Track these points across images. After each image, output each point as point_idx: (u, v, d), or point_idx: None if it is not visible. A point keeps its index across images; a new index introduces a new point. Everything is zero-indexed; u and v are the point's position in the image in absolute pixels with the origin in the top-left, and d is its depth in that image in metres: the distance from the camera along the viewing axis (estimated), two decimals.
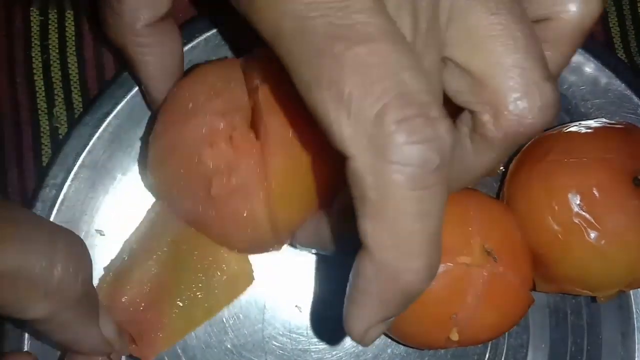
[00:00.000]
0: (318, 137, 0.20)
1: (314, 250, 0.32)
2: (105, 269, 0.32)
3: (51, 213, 0.33)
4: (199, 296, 0.32)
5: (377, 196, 0.18)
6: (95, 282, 0.31)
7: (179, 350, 0.34)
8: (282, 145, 0.28)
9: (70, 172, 0.33)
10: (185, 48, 0.34)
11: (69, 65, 0.37)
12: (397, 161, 0.18)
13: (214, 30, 0.35)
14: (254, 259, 0.35)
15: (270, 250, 0.32)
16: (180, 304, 0.31)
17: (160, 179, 0.31)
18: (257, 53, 0.30)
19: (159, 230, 0.32)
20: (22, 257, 0.23)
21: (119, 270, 0.32)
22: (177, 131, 0.29)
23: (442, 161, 0.18)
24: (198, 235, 0.31)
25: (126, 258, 0.32)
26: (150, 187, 0.33)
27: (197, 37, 0.35)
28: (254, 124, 0.28)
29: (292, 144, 0.28)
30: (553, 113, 0.21)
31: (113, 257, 0.33)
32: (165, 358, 0.34)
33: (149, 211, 0.33)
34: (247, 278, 0.33)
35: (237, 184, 0.28)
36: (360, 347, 0.35)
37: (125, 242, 0.32)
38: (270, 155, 0.27)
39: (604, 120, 0.34)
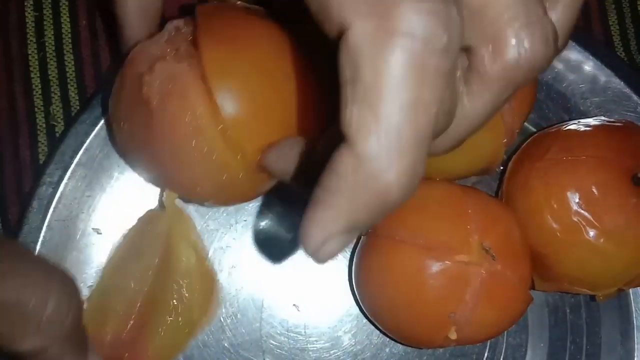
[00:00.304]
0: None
1: (275, 181, 0.29)
2: (87, 299, 0.33)
3: (48, 211, 0.33)
4: (179, 321, 0.32)
5: (372, 75, 0.16)
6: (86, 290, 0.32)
7: None
8: (219, 42, 0.26)
9: (67, 170, 0.33)
10: None
11: (66, 63, 0.37)
12: (401, 31, 0.16)
13: None
14: (252, 259, 0.35)
15: (249, 197, 0.30)
16: (162, 333, 0.32)
17: (115, 124, 0.29)
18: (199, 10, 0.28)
19: (138, 259, 0.32)
20: (19, 291, 0.24)
21: (100, 302, 0.32)
22: (125, 73, 0.28)
23: (448, 43, 0.16)
24: (169, 262, 0.32)
25: (106, 287, 0.33)
26: (119, 150, 0.32)
27: None
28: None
29: (233, 44, 0.26)
30: (552, 51, 0.20)
31: (108, 256, 0.33)
32: None
33: (126, 235, 0.33)
34: (212, 282, 0.34)
35: (173, 87, 0.26)
36: (358, 346, 0.35)
37: (105, 268, 0.33)
38: (204, 48, 0.25)
39: (603, 118, 0.34)
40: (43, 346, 0.24)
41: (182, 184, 0.28)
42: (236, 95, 0.26)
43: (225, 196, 0.29)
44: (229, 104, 0.25)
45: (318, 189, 0.18)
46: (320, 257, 0.19)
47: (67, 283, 0.26)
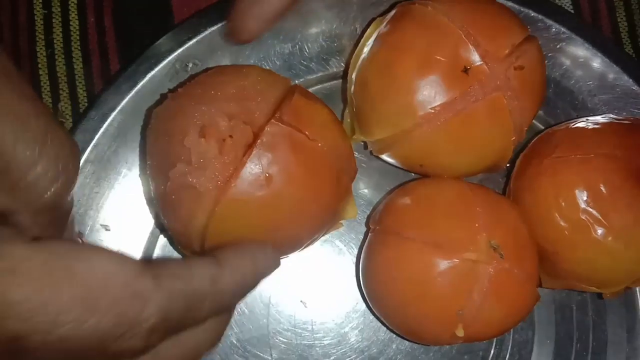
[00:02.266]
0: None
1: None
2: None
3: None
4: None
5: None
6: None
7: None
8: (250, 185, 0.27)
9: None
10: (190, 42, 0.34)
11: (74, 60, 0.37)
12: None
13: (219, 25, 0.35)
14: None
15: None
16: None
17: (150, 139, 0.31)
18: (300, 94, 0.30)
19: None
20: (7, 137, 0.21)
21: None
22: (183, 106, 0.29)
23: None
24: None
25: None
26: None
27: (202, 31, 0.35)
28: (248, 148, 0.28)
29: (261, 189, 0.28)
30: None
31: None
32: None
33: None
34: None
35: (193, 181, 0.27)
36: (365, 342, 0.35)
37: None
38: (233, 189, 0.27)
39: (612, 116, 0.34)
40: (10, 208, 0.22)
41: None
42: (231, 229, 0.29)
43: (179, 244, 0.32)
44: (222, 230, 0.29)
45: None
46: (245, 35, 0.26)
47: (66, 153, 0.23)
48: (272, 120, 0.28)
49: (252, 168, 0.27)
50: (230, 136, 0.27)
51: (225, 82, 0.29)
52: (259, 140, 0.27)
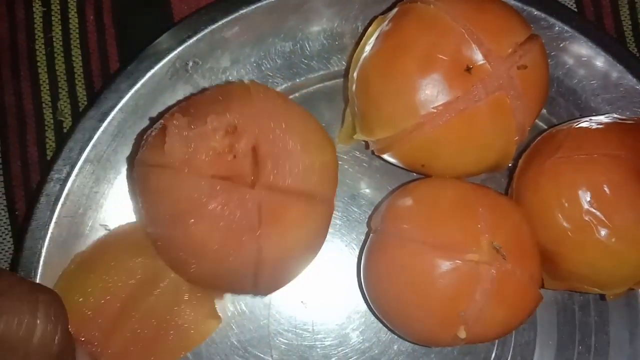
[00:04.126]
0: None
1: None
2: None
3: (55, 207, 0.33)
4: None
5: None
6: None
7: None
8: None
9: (74, 167, 0.33)
10: (190, 41, 0.34)
11: (73, 58, 0.37)
12: None
13: (219, 23, 0.34)
14: None
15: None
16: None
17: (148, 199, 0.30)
18: None
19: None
20: (6, 325, 0.24)
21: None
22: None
23: None
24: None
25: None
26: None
27: (202, 30, 0.34)
28: None
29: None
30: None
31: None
32: None
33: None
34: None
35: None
36: (366, 343, 0.35)
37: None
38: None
39: (615, 115, 0.33)
40: None
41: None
42: None
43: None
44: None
45: None
46: None
47: (53, 306, 0.26)
48: None
49: None
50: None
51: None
52: None
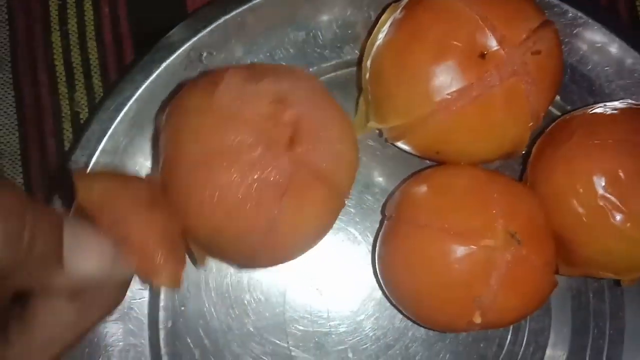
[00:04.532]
0: None
1: None
2: None
3: (74, 198, 0.33)
4: None
5: None
6: None
7: (202, 333, 0.35)
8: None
9: (92, 157, 0.34)
10: (204, 31, 0.34)
11: (89, 50, 0.37)
12: None
13: (233, 14, 0.35)
14: None
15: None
16: None
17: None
18: None
19: None
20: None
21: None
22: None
23: None
24: None
25: None
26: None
27: (216, 20, 0.35)
28: None
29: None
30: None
31: None
32: (188, 340, 0.35)
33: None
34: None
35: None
36: (380, 331, 0.35)
37: None
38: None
39: (630, 101, 0.33)
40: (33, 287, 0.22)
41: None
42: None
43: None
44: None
45: None
46: None
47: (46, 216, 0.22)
48: None
49: None
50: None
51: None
52: None
